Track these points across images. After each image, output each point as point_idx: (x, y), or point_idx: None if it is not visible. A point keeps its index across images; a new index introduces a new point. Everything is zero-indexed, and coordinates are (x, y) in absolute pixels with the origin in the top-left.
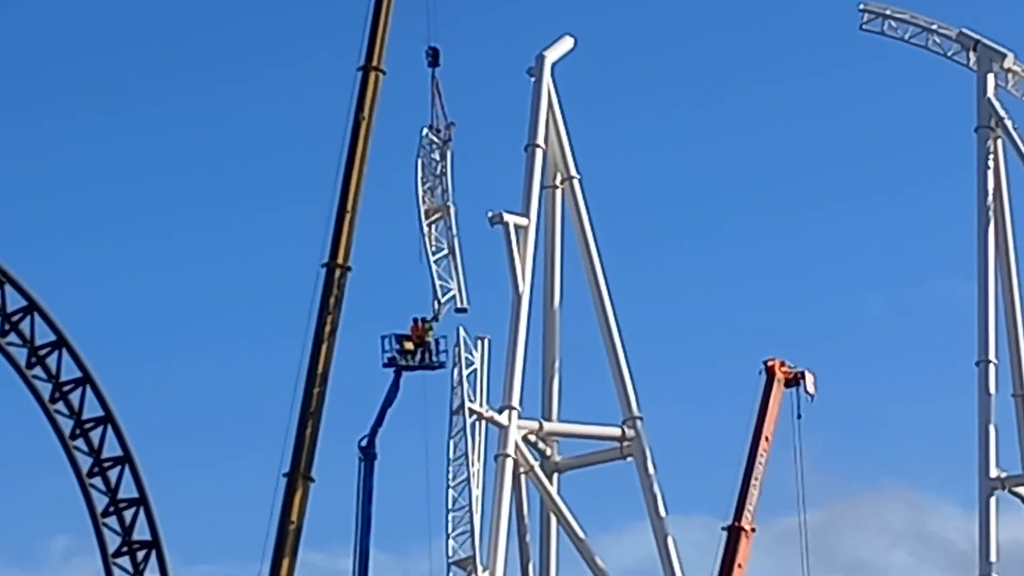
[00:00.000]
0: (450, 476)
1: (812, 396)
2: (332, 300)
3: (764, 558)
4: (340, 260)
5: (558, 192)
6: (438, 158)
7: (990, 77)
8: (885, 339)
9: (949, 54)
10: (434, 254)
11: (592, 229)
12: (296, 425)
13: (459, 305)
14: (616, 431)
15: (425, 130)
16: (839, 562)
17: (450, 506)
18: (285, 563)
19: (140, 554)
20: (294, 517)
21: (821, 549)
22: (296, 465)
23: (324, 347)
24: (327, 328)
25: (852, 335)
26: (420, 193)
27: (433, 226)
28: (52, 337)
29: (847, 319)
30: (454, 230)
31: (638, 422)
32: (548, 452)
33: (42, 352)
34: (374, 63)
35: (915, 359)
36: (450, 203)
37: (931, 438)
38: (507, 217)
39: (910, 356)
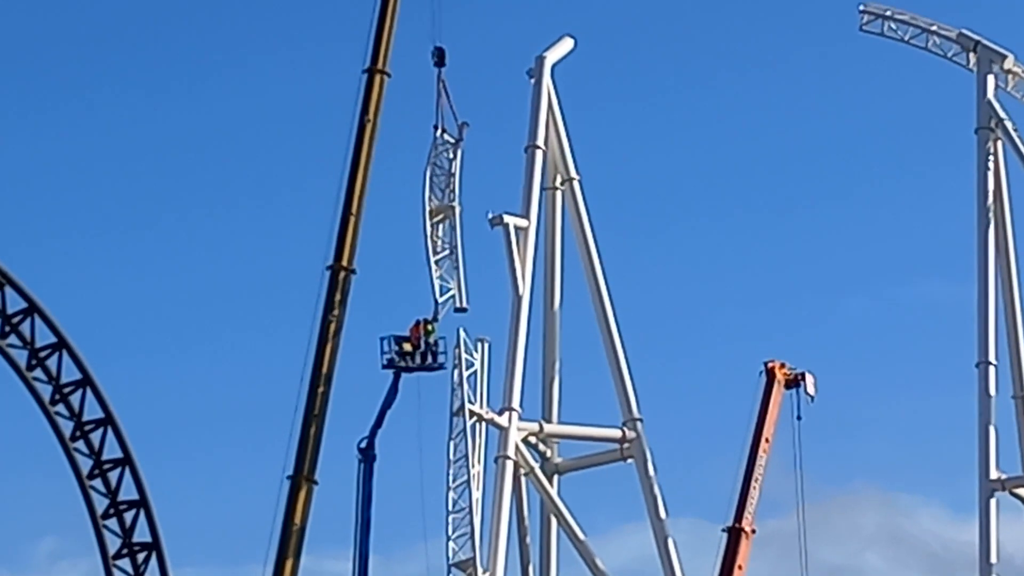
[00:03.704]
0: (450, 478)
1: (812, 398)
2: (336, 302)
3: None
4: (344, 262)
5: (558, 193)
6: (451, 157)
7: (990, 78)
8: (864, 339)
9: (949, 55)
10: (437, 254)
11: (592, 230)
12: (299, 427)
13: (458, 304)
14: (616, 432)
15: (439, 130)
16: (814, 566)
17: (450, 508)
18: (288, 565)
19: (140, 556)
20: (297, 519)
21: (796, 552)
22: (299, 467)
23: (328, 349)
24: (331, 330)
25: (830, 335)
26: (427, 193)
27: (439, 226)
28: (52, 339)
29: (827, 319)
30: (458, 230)
31: (638, 424)
32: (548, 454)
33: (42, 354)
34: (379, 66)
35: (894, 360)
36: (455, 203)
37: (905, 439)
38: (507, 218)
39: (889, 357)
